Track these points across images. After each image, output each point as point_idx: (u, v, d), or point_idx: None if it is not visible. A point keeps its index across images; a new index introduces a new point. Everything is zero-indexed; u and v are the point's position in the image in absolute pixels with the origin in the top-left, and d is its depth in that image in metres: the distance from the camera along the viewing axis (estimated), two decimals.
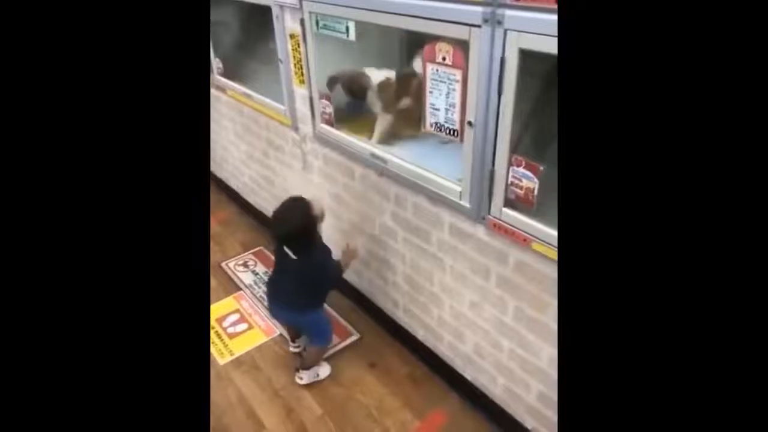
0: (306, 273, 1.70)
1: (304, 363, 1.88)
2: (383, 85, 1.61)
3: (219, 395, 1.85)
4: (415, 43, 1.83)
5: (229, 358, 2.00)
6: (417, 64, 1.52)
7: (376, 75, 1.63)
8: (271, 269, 1.91)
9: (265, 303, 1.99)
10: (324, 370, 1.90)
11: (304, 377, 1.86)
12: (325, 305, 2.24)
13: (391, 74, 1.63)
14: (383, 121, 1.67)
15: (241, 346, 2.06)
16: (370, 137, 1.72)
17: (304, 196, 1.71)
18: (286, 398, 1.83)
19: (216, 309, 2.28)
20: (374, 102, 1.62)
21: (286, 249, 1.68)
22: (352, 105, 1.67)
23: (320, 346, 1.87)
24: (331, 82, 1.72)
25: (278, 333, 2.11)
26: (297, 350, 2.00)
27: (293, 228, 1.63)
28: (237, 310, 2.26)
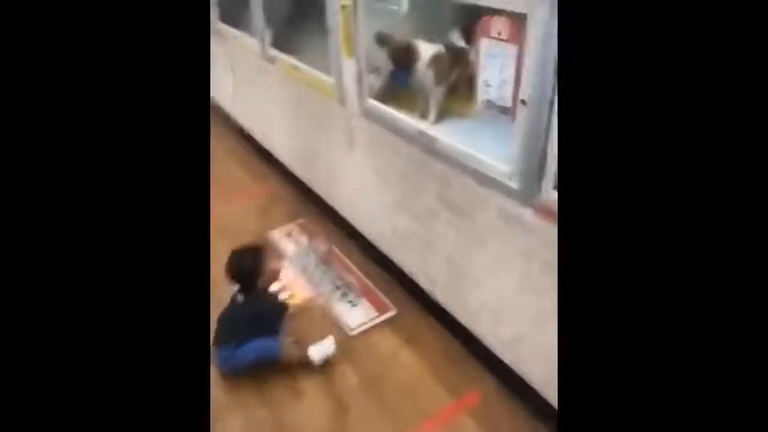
0: (245, 312, 1.85)
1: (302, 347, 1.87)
2: (436, 59, 1.57)
3: None
4: (466, 17, 1.78)
5: None
6: (455, 37, 1.49)
7: (426, 48, 1.58)
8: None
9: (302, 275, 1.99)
10: (329, 343, 1.88)
11: (316, 356, 1.85)
12: (363, 278, 2.27)
13: (441, 48, 1.59)
14: (437, 96, 1.63)
15: None
16: (420, 114, 1.69)
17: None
18: (324, 367, 1.88)
19: None
20: (425, 75, 1.58)
21: (237, 294, 1.88)
22: (396, 75, 1.65)
23: (275, 357, 1.85)
24: (379, 39, 1.67)
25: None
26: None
27: (243, 268, 1.86)
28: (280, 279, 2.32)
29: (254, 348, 1.82)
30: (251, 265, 1.86)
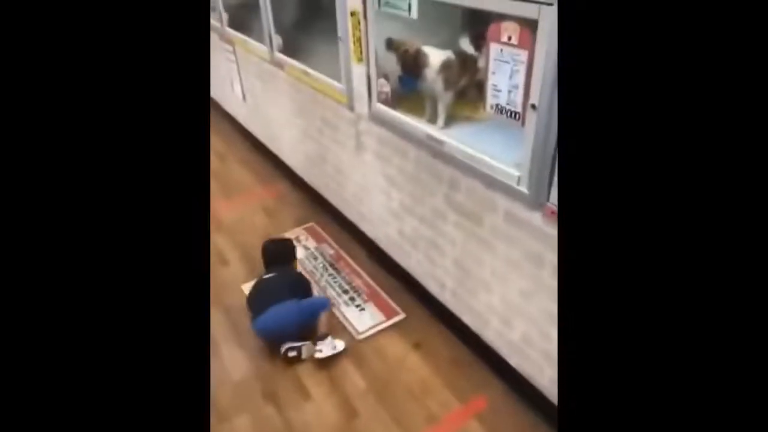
0: (287, 276, 2.12)
1: (319, 334, 1.94)
2: (446, 65, 1.58)
3: (268, 361, 1.93)
4: (475, 22, 1.79)
5: None
6: (464, 44, 1.49)
7: (436, 55, 1.59)
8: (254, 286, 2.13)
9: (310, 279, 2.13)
10: (340, 343, 1.94)
11: (324, 349, 1.90)
12: (371, 283, 2.28)
13: (450, 55, 1.60)
14: (445, 101, 1.64)
15: None
16: (428, 119, 1.70)
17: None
18: (332, 371, 1.88)
19: None
20: (435, 81, 1.59)
21: (266, 276, 2.11)
22: (405, 80, 1.65)
23: (326, 310, 2.02)
24: (389, 45, 1.68)
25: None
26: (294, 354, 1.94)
27: (279, 249, 2.27)
28: None
29: (311, 300, 2.07)
30: (283, 251, 2.27)
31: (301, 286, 2.09)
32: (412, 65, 1.58)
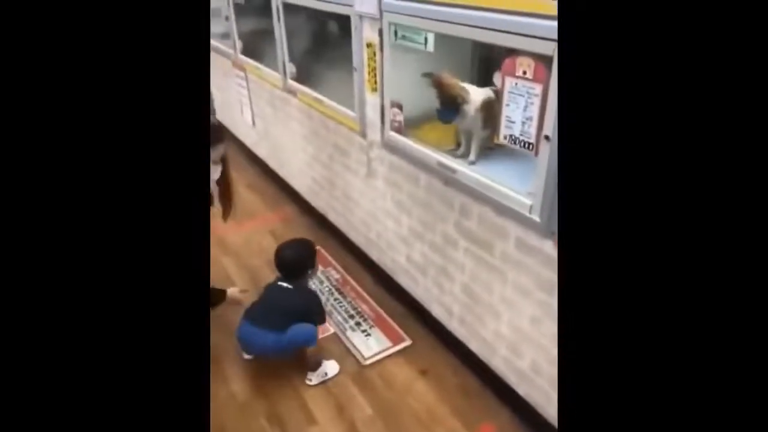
0: (297, 301, 1.93)
1: (309, 365, 1.92)
2: (486, 104, 1.61)
3: (274, 384, 1.91)
4: (489, 55, 1.86)
5: None
6: (497, 79, 1.53)
7: (477, 93, 1.62)
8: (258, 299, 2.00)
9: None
10: (332, 368, 1.95)
11: (313, 378, 1.91)
12: (377, 308, 2.28)
13: (490, 93, 1.63)
14: (480, 138, 1.68)
15: None
16: (461, 153, 1.74)
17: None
18: (338, 395, 1.87)
19: None
20: (475, 119, 1.62)
21: (280, 282, 1.98)
22: (442, 113, 1.70)
23: (311, 346, 1.90)
24: (428, 77, 1.69)
25: (332, 331, 2.16)
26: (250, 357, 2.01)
27: (297, 258, 2.01)
28: None
29: (299, 331, 1.88)
30: (304, 255, 2.03)
31: (303, 314, 1.91)
32: (452, 100, 1.59)
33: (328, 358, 1.98)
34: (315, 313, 1.95)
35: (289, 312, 1.87)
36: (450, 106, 1.60)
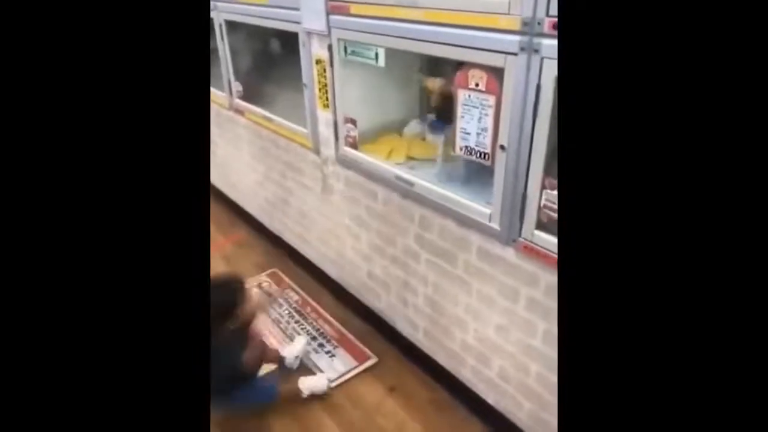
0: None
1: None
2: None
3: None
4: (438, 67, 1.88)
5: None
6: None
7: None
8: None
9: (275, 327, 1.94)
10: (321, 381, 1.91)
11: (305, 389, 1.88)
12: (340, 327, 2.23)
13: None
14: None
15: None
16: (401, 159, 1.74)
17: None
18: (303, 419, 1.80)
19: None
20: None
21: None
22: (435, 125, 1.70)
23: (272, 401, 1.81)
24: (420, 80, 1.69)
25: (295, 355, 2.09)
26: None
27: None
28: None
29: (250, 395, 1.77)
30: (224, 301, 1.59)
31: (232, 377, 1.64)
32: (445, 114, 1.58)
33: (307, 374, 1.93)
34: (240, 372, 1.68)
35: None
36: (443, 119, 1.60)
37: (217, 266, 2.74)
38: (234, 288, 1.66)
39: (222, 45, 2.45)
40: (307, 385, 1.88)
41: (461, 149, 1.42)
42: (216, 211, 3.30)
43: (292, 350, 2.03)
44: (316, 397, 1.88)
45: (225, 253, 2.86)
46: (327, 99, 1.87)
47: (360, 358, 2.08)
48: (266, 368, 1.94)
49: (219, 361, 1.58)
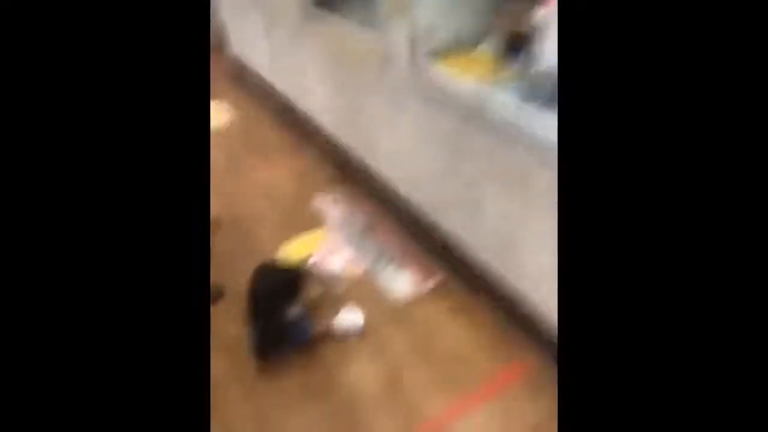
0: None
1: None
2: None
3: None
4: None
5: None
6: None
7: None
8: None
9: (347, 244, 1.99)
10: (356, 322, 1.92)
11: (339, 329, 1.92)
12: (408, 247, 2.26)
13: None
14: None
15: None
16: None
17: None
18: (371, 335, 1.91)
19: (307, 241, 2.39)
20: None
21: None
22: (511, 50, 1.58)
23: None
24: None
25: (363, 269, 2.18)
26: None
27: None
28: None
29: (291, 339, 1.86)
30: (291, 285, 1.87)
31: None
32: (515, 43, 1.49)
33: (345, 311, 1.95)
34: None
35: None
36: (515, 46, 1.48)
37: (290, 181, 2.84)
38: (299, 273, 1.92)
39: None
40: (342, 325, 1.90)
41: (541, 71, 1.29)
42: (289, 127, 3.35)
43: (346, 322, 1.95)
44: (384, 313, 1.96)
45: (298, 168, 2.94)
46: (403, 8, 1.74)
47: (426, 277, 2.12)
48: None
49: (287, 339, 1.83)
